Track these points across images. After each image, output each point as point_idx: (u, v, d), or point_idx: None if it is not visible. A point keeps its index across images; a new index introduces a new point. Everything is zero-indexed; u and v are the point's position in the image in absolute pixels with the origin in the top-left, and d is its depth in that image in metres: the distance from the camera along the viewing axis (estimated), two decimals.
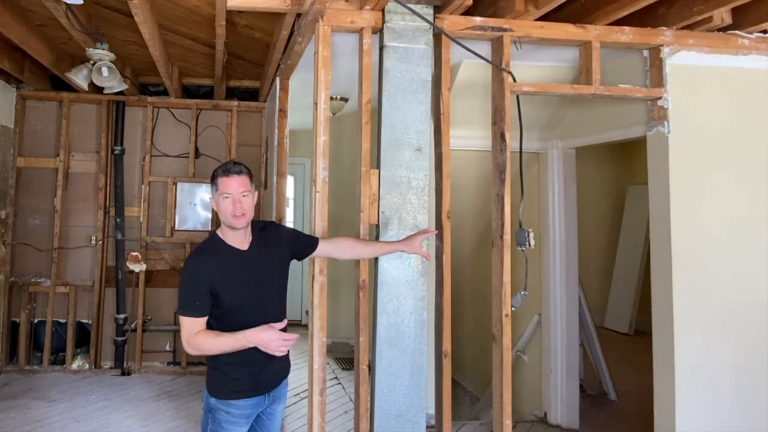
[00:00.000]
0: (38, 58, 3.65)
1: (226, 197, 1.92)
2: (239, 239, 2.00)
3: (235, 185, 1.93)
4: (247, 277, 1.98)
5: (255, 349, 1.88)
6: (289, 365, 2.16)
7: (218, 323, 1.92)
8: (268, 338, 1.86)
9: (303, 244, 2.24)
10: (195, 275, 1.89)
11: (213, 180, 1.97)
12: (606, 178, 7.28)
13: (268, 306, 2.04)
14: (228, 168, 1.95)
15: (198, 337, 1.86)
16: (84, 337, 4.84)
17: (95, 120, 4.88)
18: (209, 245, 1.98)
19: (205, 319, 1.90)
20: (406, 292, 2.52)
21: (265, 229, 2.11)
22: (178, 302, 1.92)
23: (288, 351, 1.98)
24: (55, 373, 4.64)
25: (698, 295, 2.79)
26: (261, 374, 2.01)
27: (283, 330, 1.91)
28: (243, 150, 5.04)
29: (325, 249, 2.28)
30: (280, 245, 2.12)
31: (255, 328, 1.88)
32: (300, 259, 2.27)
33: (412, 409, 2.50)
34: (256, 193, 2.06)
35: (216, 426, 1.96)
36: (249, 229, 2.02)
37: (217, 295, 1.89)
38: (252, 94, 5.03)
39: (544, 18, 2.71)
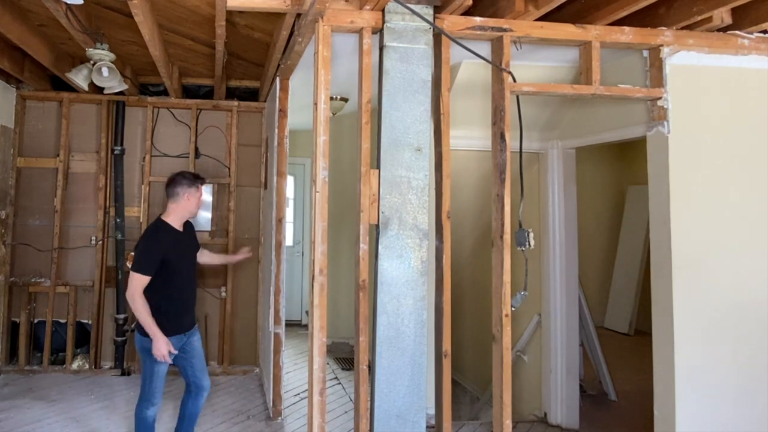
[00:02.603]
0: (38, 58, 3.65)
1: (200, 197, 3.05)
2: (180, 224, 3.00)
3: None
4: (183, 249, 3.02)
5: (180, 301, 2.96)
6: (195, 319, 3.16)
7: (164, 282, 2.83)
8: (161, 345, 2.77)
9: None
10: (157, 244, 2.86)
11: (193, 184, 2.98)
12: (606, 178, 7.28)
13: (192, 269, 3.11)
14: (203, 179, 3.07)
15: (142, 298, 2.76)
16: (84, 337, 4.84)
17: (95, 120, 4.88)
18: (162, 225, 2.94)
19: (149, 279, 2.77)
20: (406, 292, 2.52)
21: (187, 221, 3.08)
22: (137, 262, 2.80)
23: (194, 308, 3.13)
24: (55, 374, 4.64)
25: (698, 295, 2.79)
26: (182, 319, 2.98)
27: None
28: (243, 150, 5.04)
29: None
30: (193, 233, 3.18)
31: (161, 336, 2.78)
32: None
33: (412, 410, 2.50)
34: None
35: (154, 358, 2.82)
36: None
37: (168, 260, 2.82)
38: (252, 94, 5.03)
39: (544, 18, 2.71)
